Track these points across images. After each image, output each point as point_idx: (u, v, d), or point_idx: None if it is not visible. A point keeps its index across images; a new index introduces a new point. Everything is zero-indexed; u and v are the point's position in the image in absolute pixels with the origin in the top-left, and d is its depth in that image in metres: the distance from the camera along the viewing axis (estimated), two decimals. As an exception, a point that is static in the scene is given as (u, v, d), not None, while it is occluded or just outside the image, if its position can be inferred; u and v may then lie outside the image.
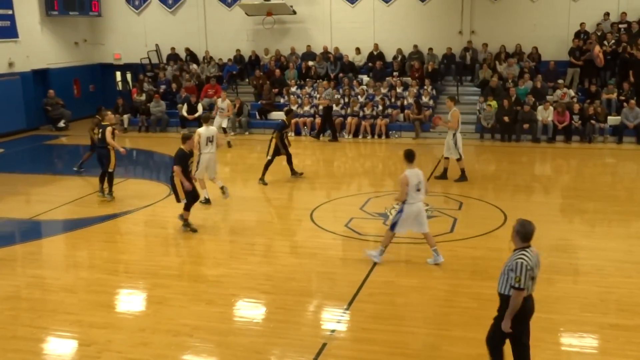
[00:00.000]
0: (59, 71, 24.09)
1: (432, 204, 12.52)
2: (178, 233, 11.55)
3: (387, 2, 22.68)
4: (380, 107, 20.31)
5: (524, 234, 5.87)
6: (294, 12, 22.94)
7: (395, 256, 10.05)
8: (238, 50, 24.07)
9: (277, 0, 22.43)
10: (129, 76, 25.97)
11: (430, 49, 22.05)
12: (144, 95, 22.74)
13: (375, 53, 22.68)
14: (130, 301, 8.91)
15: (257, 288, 8.85)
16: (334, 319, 8.03)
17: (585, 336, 7.45)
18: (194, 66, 24.03)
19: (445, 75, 22.05)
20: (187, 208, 11.26)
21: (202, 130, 12.87)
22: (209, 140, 12.85)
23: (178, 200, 11.25)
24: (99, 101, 25.55)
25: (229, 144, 18.89)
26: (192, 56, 24.64)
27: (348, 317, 8.04)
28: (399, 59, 22.38)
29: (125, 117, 22.25)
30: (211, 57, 24.19)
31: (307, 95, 21.41)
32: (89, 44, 25.85)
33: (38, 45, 23.10)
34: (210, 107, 21.66)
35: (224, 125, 19.66)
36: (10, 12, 21.65)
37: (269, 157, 14.45)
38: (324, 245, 10.61)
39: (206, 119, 13.30)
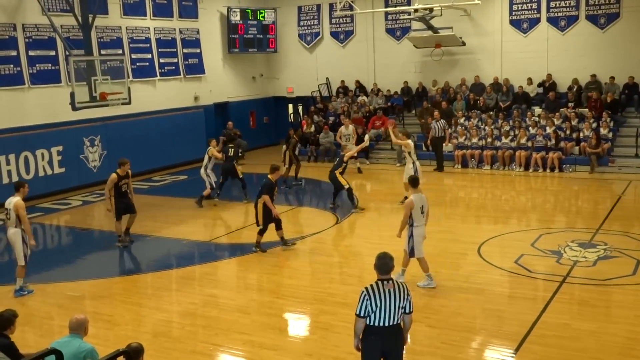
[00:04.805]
0: (237, 104, 25.75)
1: (611, 243, 11.75)
2: (344, 261, 11.80)
3: (562, 30, 21.73)
4: (553, 140, 19.41)
5: (378, 266, 6.09)
6: (464, 44, 22.69)
7: (569, 297, 9.52)
8: (405, 82, 24.28)
9: (446, 32, 22.34)
10: (300, 108, 27.14)
11: (611, 78, 20.77)
12: (313, 126, 23.61)
13: (547, 84, 21.79)
14: (298, 325, 9.22)
15: (422, 321, 8.74)
16: None
17: None
18: (363, 98, 24.56)
19: (627, 106, 20.65)
20: (262, 233, 12.22)
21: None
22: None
23: (258, 224, 12.17)
24: (273, 132, 27.12)
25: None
26: (361, 88, 25.23)
27: (517, 359, 7.69)
28: (574, 89, 21.33)
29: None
30: (379, 89, 24.60)
31: (474, 127, 21.04)
32: (265, 79, 27.44)
33: (220, 81, 24.92)
34: (377, 138, 22.20)
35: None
36: (198, 50, 23.67)
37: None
38: (491, 281, 10.29)
39: None
